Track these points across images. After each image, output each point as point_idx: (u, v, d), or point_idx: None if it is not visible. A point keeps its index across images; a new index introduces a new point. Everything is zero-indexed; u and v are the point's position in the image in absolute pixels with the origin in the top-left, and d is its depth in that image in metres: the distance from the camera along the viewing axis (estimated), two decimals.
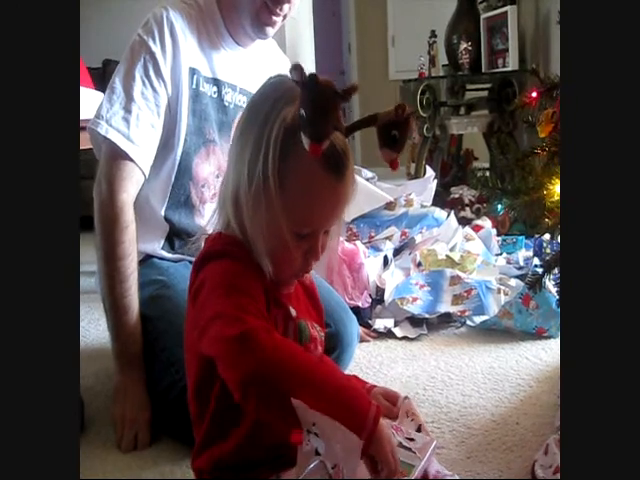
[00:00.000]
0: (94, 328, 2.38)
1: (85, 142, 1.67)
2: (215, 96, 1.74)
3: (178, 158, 1.70)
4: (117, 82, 1.63)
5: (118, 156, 1.60)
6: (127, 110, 1.60)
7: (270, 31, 1.71)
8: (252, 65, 1.81)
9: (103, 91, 1.68)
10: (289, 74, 0.96)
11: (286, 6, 1.66)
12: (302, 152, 0.99)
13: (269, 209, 1.04)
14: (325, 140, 0.97)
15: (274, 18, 1.67)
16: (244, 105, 1.78)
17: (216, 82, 1.74)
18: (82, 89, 2.37)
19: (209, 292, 1.05)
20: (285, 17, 1.70)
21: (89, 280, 2.62)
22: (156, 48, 1.62)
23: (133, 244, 1.58)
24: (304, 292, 1.22)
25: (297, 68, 0.95)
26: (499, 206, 2.64)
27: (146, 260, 1.73)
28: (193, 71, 1.68)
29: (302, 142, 0.97)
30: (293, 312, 1.13)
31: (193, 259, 1.75)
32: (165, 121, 1.66)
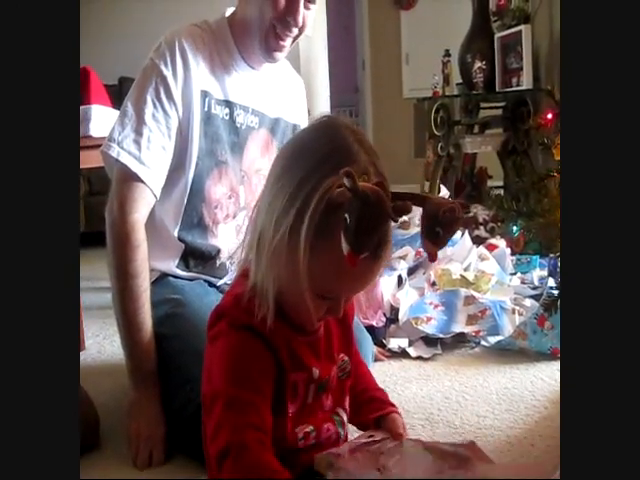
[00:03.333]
0: (109, 344, 2.38)
1: (100, 159, 1.70)
2: (227, 118, 1.76)
3: (190, 180, 1.71)
4: (129, 105, 1.65)
5: (129, 178, 1.62)
6: (138, 133, 1.62)
7: (279, 56, 1.73)
8: (265, 86, 1.83)
9: (119, 108, 1.70)
10: (345, 182, 0.92)
11: (295, 30, 1.68)
12: (337, 229, 0.96)
13: (290, 266, 1.02)
14: (365, 252, 0.95)
15: (282, 43, 1.70)
16: (256, 126, 1.80)
17: (228, 104, 1.75)
18: (100, 107, 2.39)
19: (218, 369, 1.08)
20: (295, 39, 1.72)
21: (105, 296, 2.63)
22: (167, 72, 1.65)
23: (145, 263, 1.60)
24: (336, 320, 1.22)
25: (349, 175, 0.92)
26: (514, 227, 2.64)
27: (161, 279, 1.75)
28: (205, 94, 1.70)
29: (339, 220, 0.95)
30: (316, 373, 1.13)
31: (208, 278, 1.78)
32: (176, 143, 1.68)
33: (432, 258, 1.03)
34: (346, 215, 0.93)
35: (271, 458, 1.03)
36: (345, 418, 1.22)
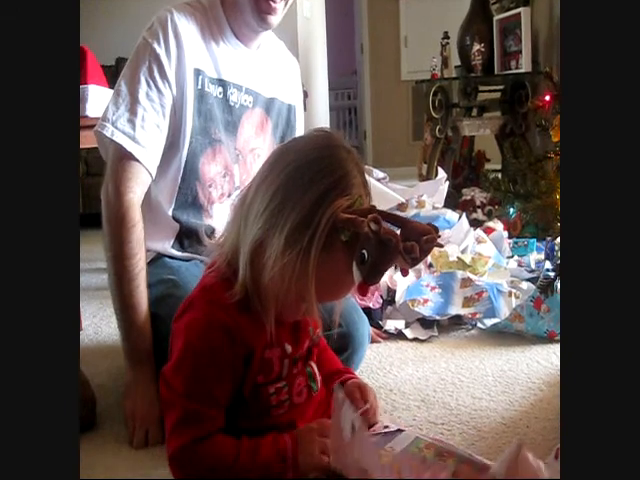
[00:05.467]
0: (106, 325, 2.38)
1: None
2: (221, 96, 1.75)
3: (184, 158, 1.71)
4: (122, 85, 1.65)
5: (124, 157, 1.61)
6: (132, 112, 1.61)
7: (272, 19, 1.72)
8: (259, 66, 1.82)
9: None
10: (370, 225, 1.03)
11: None
12: (339, 246, 1.08)
13: (299, 280, 1.09)
14: (375, 284, 1.08)
15: (273, 5, 1.68)
16: (250, 105, 1.80)
17: (221, 83, 1.75)
18: (96, 87, 2.38)
19: (182, 357, 1.19)
20: (287, 3, 1.71)
21: (102, 277, 2.63)
22: (160, 50, 1.64)
23: (140, 243, 1.59)
24: None
25: (376, 222, 1.03)
26: (511, 209, 2.64)
27: (157, 259, 1.74)
28: (198, 72, 1.69)
29: (343, 240, 1.06)
30: (288, 349, 1.22)
31: (204, 258, 1.78)
32: (171, 122, 1.67)
33: (404, 274, 1.18)
34: (364, 251, 1.04)
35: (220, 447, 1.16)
36: (316, 370, 1.31)
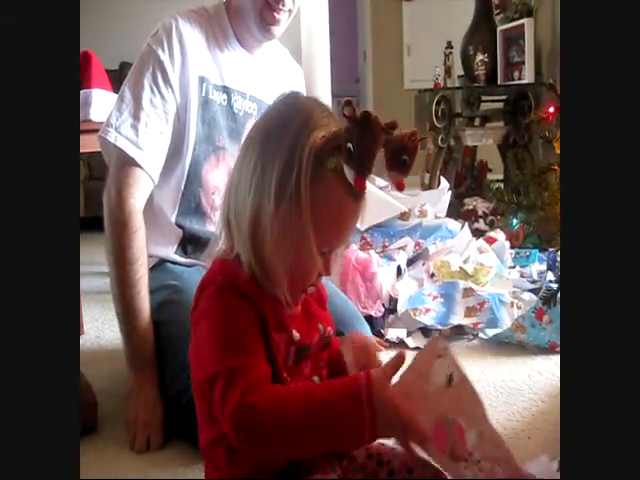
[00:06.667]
0: (108, 329, 2.39)
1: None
2: (225, 104, 1.76)
3: (187, 165, 1.71)
4: (126, 91, 1.65)
5: (127, 163, 1.62)
6: (136, 118, 1.62)
7: (275, 30, 1.73)
8: (264, 73, 1.83)
9: None
10: (344, 110, 1.00)
11: (288, 1, 1.68)
12: (329, 177, 1.04)
13: (298, 231, 1.05)
14: (369, 173, 1.03)
15: (277, 16, 1.69)
16: (254, 112, 1.80)
17: (225, 90, 1.75)
18: (101, 91, 2.39)
19: (208, 336, 1.08)
20: (290, 13, 1.72)
21: (104, 281, 2.63)
22: (164, 57, 1.65)
23: (142, 249, 1.60)
24: (313, 298, 1.23)
25: (349, 104, 1.00)
26: (514, 220, 2.64)
27: (160, 265, 1.75)
28: (202, 79, 1.70)
29: (329, 168, 1.03)
30: (296, 336, 1.14)
31: (206, 264, 1.77)
32: (174, 129, 1.68)
33: (401, 187, 1.09)
34: (348, 145, 1.00)
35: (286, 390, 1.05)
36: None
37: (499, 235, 2.93)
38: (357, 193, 1.07)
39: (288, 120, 1.09)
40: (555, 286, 2.06)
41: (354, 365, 1.23)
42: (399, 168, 1.06)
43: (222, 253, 1.17)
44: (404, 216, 2.85)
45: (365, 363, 1.22)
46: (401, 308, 2.29)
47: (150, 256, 1.67)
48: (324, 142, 1.04)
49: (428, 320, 2.23)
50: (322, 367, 1.25)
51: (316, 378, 1.21)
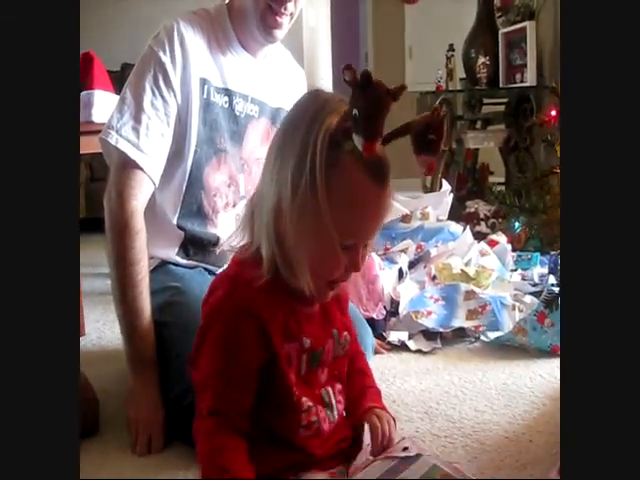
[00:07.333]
0: (109, 330, 2.39)
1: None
2: (226, 106, 1.76)
3: (189, 168, 1.71)
4: (127, 93, 1.66)
5: (128, 165, 1.61)
6: (137, 120, 1.62)
7: (277, 34, 1.73)
8: (266, 76, 1.83)
9: None
10: (344, 75, 0.99)
11: (290, 5, 1.68)
12: (347, 161, 1.03)
13: (316, 220, 1.05)
14: (378, 138, 1.00)
15: (279, 20, 1.70)
16: (256, 114, 1.80)
17: (227, 92, 1.75)
18: (102, 93, 2.38)
19: (209, 350, 1.14)
20: (292, 17, 1.72)
21: (105, 282, 2.63)
22: (166, 59, 1.65)
23: (143, 250, 1.60)
24: (334, 300, 1.24)
25: (349, 68, 0.98)
26: (516, 223, 2.64)
27: (161, 266, 1.75)
28: (204, 81, 1.70)
29: (347, 150, 1.02)
30: (306, 343, 1.16)
31: (208, 266, 1.78)
32: (175, 131, 1.68)
33: (431, 169, 1.11)
34: (354, 111, 0.99)
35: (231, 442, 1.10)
36: (334, 400, 1.23)
37: (501, 238, 2.92)
38: (378, 178, 1.06)
39: (306, 108, 1.11)
40: (557, 289, 2.06)
41: (371, 450, 1.23)
42: (428, 149, 1.05)
43: (241, 250, 1.17)
44: (406, 219, 2.85)
45: (381, 451, 1.20)
46: (403, 311, 2.29)
47: (152, 258, 1.67)
48: (338, 123, 1.03)
49: (430, 323, 2.23)
50: (341, 374, 1.25)
51: (329, 391, 1.22)
